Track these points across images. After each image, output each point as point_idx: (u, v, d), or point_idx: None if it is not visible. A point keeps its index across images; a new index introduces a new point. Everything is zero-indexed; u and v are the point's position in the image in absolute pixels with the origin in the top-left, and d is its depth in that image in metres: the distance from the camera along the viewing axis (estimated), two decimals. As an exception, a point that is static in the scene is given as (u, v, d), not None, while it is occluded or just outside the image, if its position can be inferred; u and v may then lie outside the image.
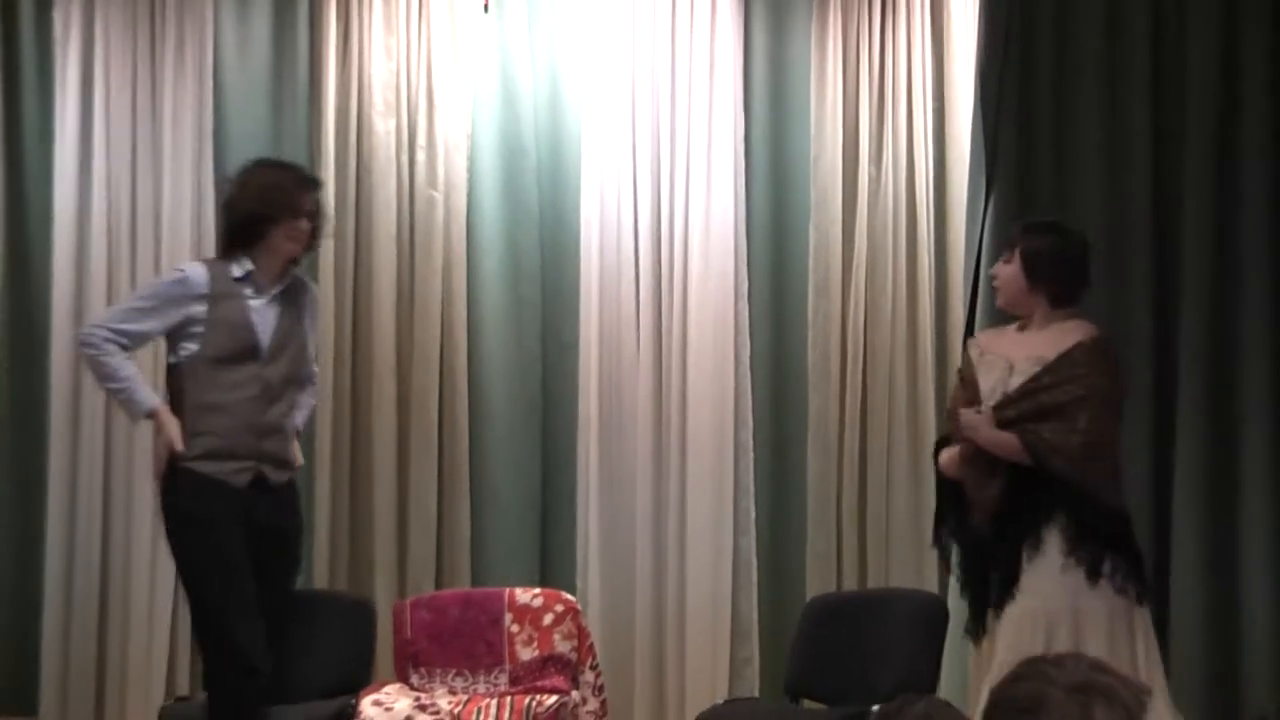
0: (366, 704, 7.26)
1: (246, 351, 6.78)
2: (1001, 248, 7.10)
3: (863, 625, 6.91)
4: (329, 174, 8.54)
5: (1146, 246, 7.71)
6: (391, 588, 8.44)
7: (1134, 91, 7.79)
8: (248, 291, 6.80)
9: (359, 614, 7.79)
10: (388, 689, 7.46)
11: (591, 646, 7.82)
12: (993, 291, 6.90)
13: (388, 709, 7.27)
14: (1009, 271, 6.65)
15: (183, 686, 8.29)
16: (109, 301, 8.38)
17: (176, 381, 6.83)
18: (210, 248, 8.41)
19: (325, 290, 8.47)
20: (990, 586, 6.57)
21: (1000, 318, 7.32)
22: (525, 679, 7.48)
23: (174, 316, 6.78)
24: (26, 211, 8.63)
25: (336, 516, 8.55)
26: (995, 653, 6.41)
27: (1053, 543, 6.43)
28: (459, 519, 8.57)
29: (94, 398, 8.41)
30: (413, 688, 7.54)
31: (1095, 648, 6.28)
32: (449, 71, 8.69)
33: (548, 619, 7.74)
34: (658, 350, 8.63)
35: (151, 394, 6.83)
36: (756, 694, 8.37)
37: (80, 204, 8.56)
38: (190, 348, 6.77)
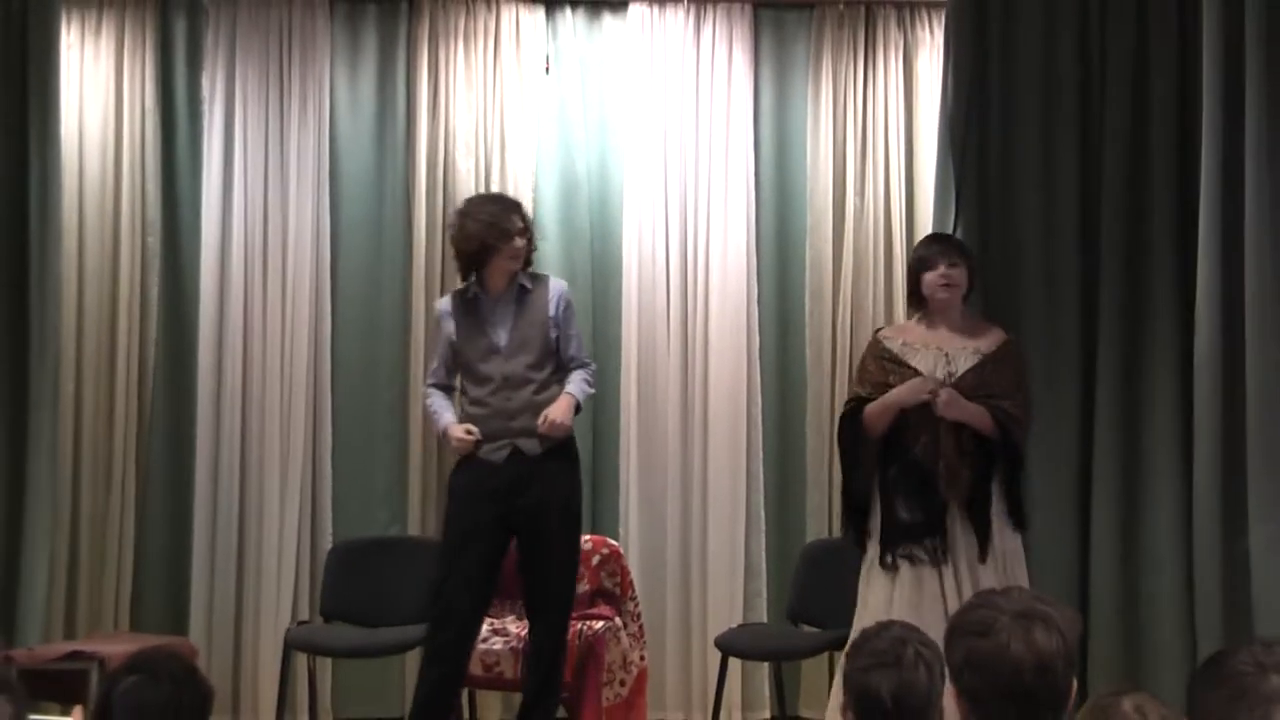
0: (452, 627, 7.31)
1: (489, 352, 6.76)
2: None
3: (849, 565, 6.92)
4: (421, 204, 8.56)
5: (1072, 257, 7.65)
6: (471, 535, 8.44)
7: (1065, 137, 7.67)
8: (483, 305, 6.80)
9: (445, 555, 7.86)
10: (469, 615, 7.50)
11: (631, 583, 7.85)
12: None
13: (468, 631, 7.31)
14: (959, 275, 6.74)
15: (303, 613, 8.30)
16: (245, 308, 8.46)
17: (461, 389, 6.94)
18: (326, 264, 8.53)
19: (418, 298, 8.50)
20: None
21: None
22: (578, 608, 7.41)
23: (445, 342, 6.86)
24: (180, 236, 8.58)
25: (426, 477, 8.53)
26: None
27: (996, 495, 6.54)
28: (527, 479, 8.58)
29: (232, 384, 8.46)
30: (488, 615, 7.61)
31: (1021, 578, 6.42)
32: (518, 121, 8.66)
33: (596, 560, 7.76)
34: (685, 346, 8.63)
35: (445, 418, 6.83)
36: (765, 619, 8.38)
37: (223, 230, 8.52)
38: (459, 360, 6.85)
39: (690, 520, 8.50)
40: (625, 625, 7.64)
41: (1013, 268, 7.63)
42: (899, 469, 6.53)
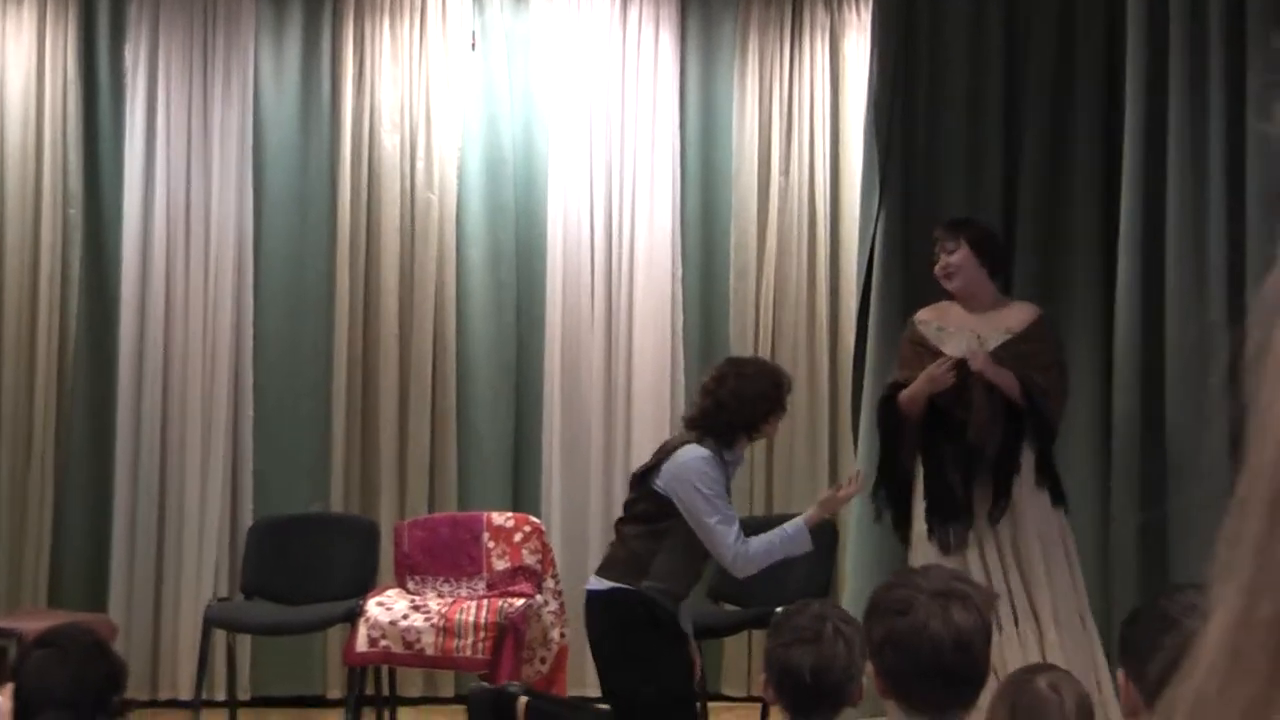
0: (371, 604, 7.28)
1: None
2: (896, 246, 7.16)
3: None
4: (345, 180, 8.54)
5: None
6: (393, 511, 8.40)
7: (990, 117, 7.76)
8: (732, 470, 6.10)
9: (366, 532, 7.83)
10: (388, 593, 7.46)
11: (553, 560, 7.82)
12: (922, 278, 6.89)
13: (388, 609, 7.28)
14: (960, 256, 6.67)
15: (224, 589, 8.24)
16: (168, 281, 8.41)
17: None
18: (249, 238, 8.50)
19: (342, 274, 8.51)
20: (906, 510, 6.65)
21: (897, 301, 7.36)
22: (499, 585, 7.49)
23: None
24: (102, 208, 8.52)
25: (350, 453, 8.52)
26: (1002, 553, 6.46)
27: (1027, 469, 6.53)
28: (448, 456, 8.55)
29: (154, 358, 8.41)
30: (408, 592, 7.53)
31: (1063, 559, 6.44)
32: (443, 96, 8.64)
33: (518, 537, 7.74)
34: (609, 323, 8.64)
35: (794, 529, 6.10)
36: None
37: (145, 203, 8.47)
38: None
39: (613, 498, 8.45)
40: (546, 603, 7.63)
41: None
42: (951, 446, 6.52)
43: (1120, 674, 2.97)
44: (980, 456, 6.47)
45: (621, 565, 5.93)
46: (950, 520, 6.49)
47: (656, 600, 5.85)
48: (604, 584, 5.94)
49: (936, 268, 6.71)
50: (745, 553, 5.92)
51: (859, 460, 7.28)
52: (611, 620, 5.92)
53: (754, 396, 5.93)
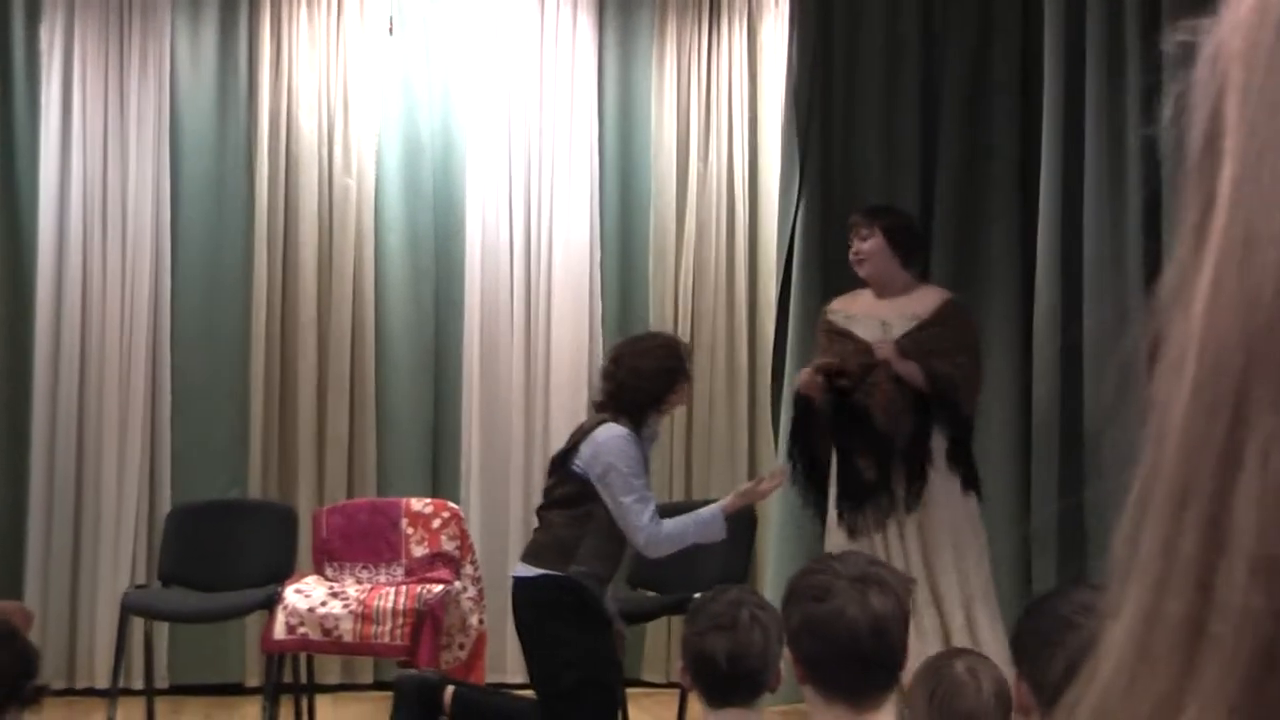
0: (289, 591, 7.24)
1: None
2: (815, 233, 7.17)
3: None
4: (263, 162, 8.50)
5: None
6: (312, 497, 8.38)
7: (908, 101, 7.80)
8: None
9: (284, 518, 7.79)
10: (307, 580, 7.42)
11: (472, 546, 7.81)
12: (841, 265, 6.91)
13: (306, 596, 7.25)
14: (873, 244, 6.67)
15: (141, 576, 8.18)
16: (85, 262, 8.34)
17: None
18: (166, 220, 8.44)
19: (259, 259, 8.46)
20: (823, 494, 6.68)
21: (816, 288, 7.39)
22: (418, 571, 7.47)
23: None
24: (18, 189, 8.43)
25: (268, 439, 8.48)
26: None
27: (939, 457, 6.55)
28: (366, 442, 8.54)
29: (70, 341, 8.34)
30: (326, 578, 7.50)
31: (971, 545, 6.47)
32: (361, 81, 8.61)
33: (436, 523, 7.72)
34: (528, 309, 8.64)
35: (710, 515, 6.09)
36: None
37: (61, 183, 8.39)
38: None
39: (533, 483, 8.46)
40: (465, 589, 7.61)
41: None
42: (861, 434, 6.52)
43: (1013, 673, 2.98)
44: (890, 445, 6.50)
45: (548, 551, 5.93)
46: (859, 505, 6.52)
47: (585, 585, 5.86)
48: (531, 571, 5.94)
49: (851, 255, 6.73)
50: (657, 534, 5.94)
51: (780, 446, 7.30)
52: (539, 607, 5.92)
53: (653, 372, 5.95)
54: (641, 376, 5.93)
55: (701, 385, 8.47)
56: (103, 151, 8.45)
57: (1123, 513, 0.58)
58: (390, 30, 8.64)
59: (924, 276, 7.02)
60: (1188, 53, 0.58)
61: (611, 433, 5.89)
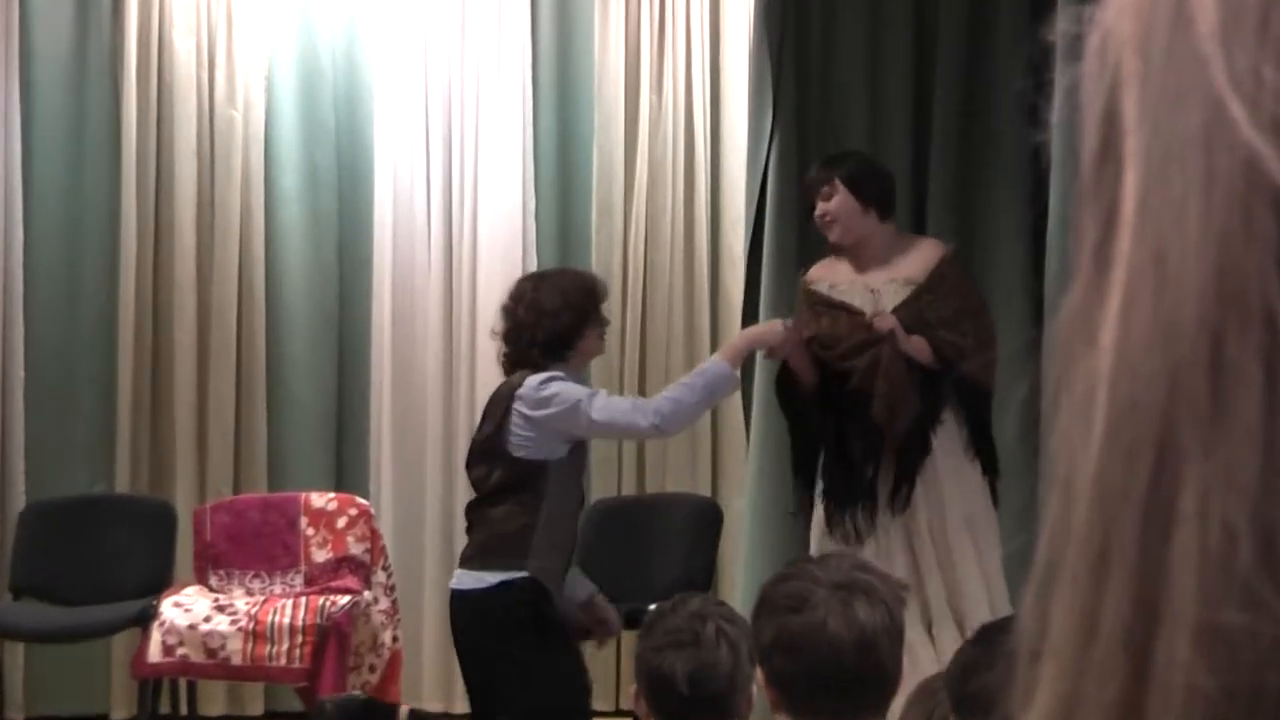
0: (167, 605, 7.27)
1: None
2: (791, 175, 7.18)
3: (641, 527, 6.95)
4: (130, 91, 8.48)
5: (904, 164, 7.72)
6: (191, 493, 8.37)
7: (896, 25, 7.85)
8: None
9: (160, 517, 7.81)
10: (187, 591, 7.46)
11: (384, 549, 7.87)
12: (810, 229, 6.90)
13: (187, 610, 7.29)
14: (838, 201, 6.60)
15: None
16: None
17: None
18: (16, 162, 8.44)
19: (127, 206, 8.44)
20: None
21: (792, 243, 7.40)
22: (320, 579, 7.51)
23: None
24: None
25: (138, 424, 8.47)
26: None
27: (954, 441, 6.55)
28: (257, 426, 8.55)
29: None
30: (211, 589, 7.54)
31: (989, 545, 6.48)
32: (248, -4, 8.63)
33: (341, 522, 7.78)
34: (448, 269, 8.65)
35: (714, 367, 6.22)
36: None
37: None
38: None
39: (455, 474, 8.43)
40: (376, 600, 7.65)
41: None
42: (855, 420, 6.53)
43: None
44: (881, 434, 6.50)
45: (494, 553, 5.86)
46: (852, 504, 6.53)
47: (544, 588, 5.81)
48: (476, 579, 5.87)
49: (816, 217, 6.68)
50: (659, 408, 5.92)
51: (752, 430, 7.31)
52: (486, 623, 5.85)
53: (555, 309, 5.87)
54: (541, 312, 5.85)
55: (657, 355, 8.49)
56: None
57: (1027, 579, 0.58)
58: (283, -67, 8.65)
59: (920, 229, 7.01)
60: (1074, 45, 0.58)
61: (533, 380, 5.79)
